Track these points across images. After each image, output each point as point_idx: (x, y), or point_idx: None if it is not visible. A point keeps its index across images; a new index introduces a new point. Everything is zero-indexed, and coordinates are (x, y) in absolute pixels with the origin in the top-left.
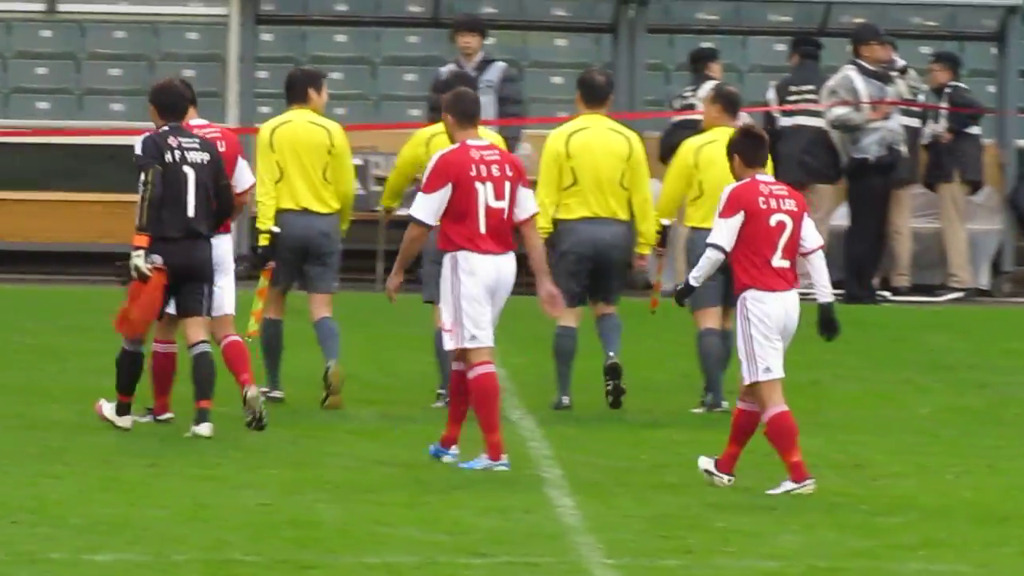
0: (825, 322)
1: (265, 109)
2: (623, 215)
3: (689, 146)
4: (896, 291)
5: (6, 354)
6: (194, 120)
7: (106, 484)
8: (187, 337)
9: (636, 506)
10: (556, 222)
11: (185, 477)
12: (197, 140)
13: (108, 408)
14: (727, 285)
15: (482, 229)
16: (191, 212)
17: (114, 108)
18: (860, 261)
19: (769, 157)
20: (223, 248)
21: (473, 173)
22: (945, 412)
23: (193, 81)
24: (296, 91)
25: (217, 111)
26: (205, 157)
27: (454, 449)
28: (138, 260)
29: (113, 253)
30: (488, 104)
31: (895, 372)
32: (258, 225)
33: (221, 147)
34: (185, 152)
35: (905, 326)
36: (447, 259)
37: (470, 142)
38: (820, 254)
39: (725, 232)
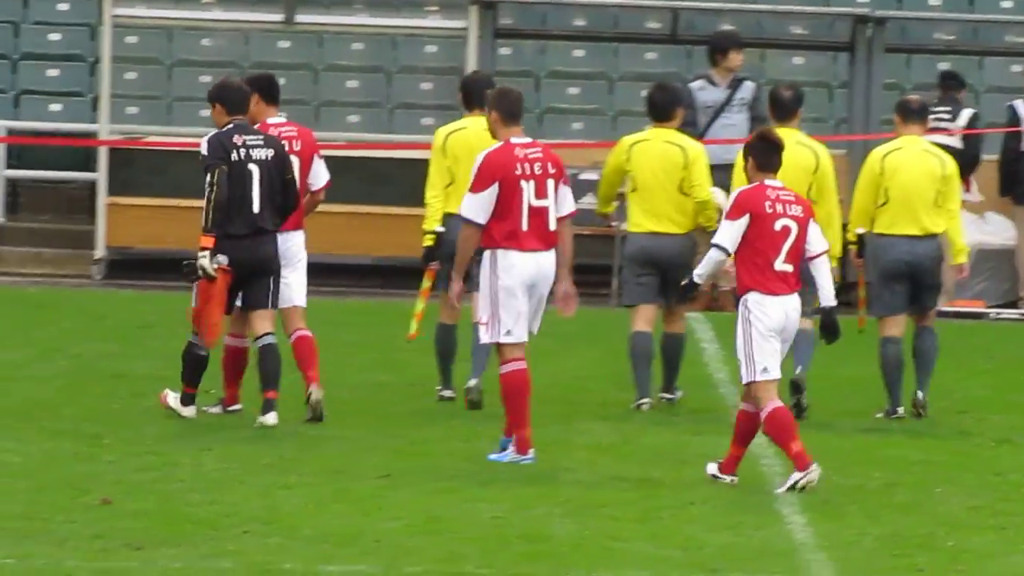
0: (827, 325)
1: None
2: None
3: (875, 154)
4: None
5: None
6: (272, 119)
7: (339, 495)
8: (254, 330)
9: (867, 524)
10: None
11: (418, 490)
12: (261, 137)
13: (172, 397)
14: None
15: (524, 227)
16: (256, 208)
17: (350, 120)
18: None
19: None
20: (294, 242)
21: (518, 172)
22: None
23: (431, 93)
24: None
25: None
26: (269, 153)
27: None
28: (204, 261)
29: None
30: (742, 121)
31: None
32: (424, 226)
33: (297, 146)
34: (250, 149)
35: None
36: (487, 255)
37: (514, 140)
38: (824, 259)
39: (729, 233)
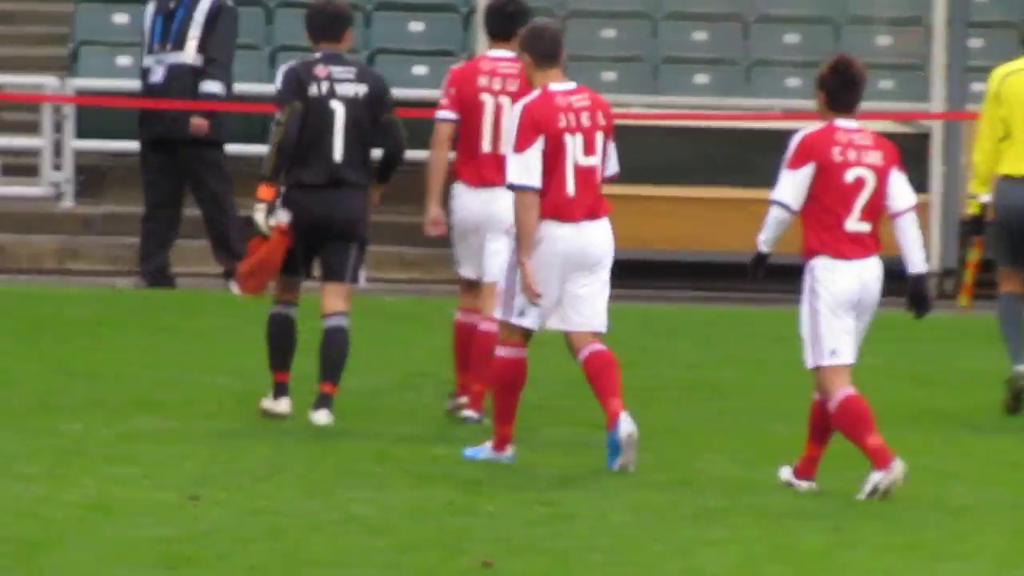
0: (914, 296)
1: (978, 86)
2: None
3: None
4: None
5: (653, 390)
6: (493, 52)
7: (777, 553)
8: (322, 305)
9: None
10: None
11: (875, 545)
12: (354, 69)
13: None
14: None
15: (570, 191)
16: (337, 156)
17: (788, 84)
18: None
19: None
20: (502, 204)
21: (562, 124)
22: None
23: (891, 50)
24: None
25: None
26: (361, 89)
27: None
28: (258, 216)
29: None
30: None
31: None
32: (969, 189)
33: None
34: (335, 84)
35: None
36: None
37: (552, 86)
38: (910, 217)
39: (790, 186)
